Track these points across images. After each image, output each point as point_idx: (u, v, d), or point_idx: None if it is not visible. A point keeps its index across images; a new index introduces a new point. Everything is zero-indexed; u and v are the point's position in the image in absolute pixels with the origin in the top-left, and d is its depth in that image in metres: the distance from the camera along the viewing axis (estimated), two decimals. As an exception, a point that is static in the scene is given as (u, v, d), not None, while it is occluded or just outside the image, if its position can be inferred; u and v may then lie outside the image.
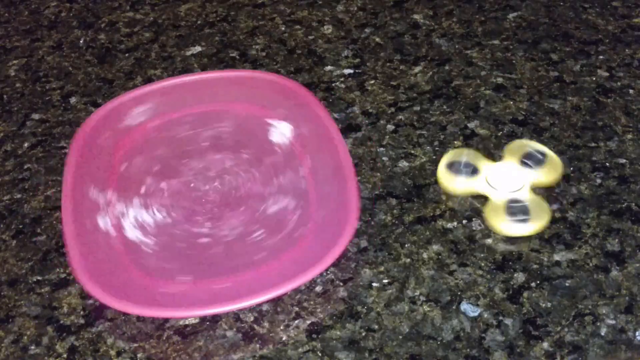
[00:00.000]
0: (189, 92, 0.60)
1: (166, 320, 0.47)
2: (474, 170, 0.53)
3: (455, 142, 0.57)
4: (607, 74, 0.62)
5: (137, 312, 0.46)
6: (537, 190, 0.53)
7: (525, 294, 0.48)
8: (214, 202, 0.54)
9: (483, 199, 0.53)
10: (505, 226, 0.50)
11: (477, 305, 0.47)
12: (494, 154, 0.56)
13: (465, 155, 0.54)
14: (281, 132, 0.57)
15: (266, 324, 0.47)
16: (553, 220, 0.51)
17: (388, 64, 0.64)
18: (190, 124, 0.59)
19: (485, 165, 0.54)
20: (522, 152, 0.54)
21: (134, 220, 0.52)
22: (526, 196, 0.52)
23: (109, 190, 0.54)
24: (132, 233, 0.51)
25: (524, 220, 0.50)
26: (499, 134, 0.57)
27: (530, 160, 0.54)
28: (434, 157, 0.56)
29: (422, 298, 0.48)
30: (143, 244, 0.51)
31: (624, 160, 0.55)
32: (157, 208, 0.53)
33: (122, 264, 0.49)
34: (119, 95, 0.59)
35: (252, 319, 0.47)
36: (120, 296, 0.46)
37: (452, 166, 0.53)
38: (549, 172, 0.53)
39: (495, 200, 0.52)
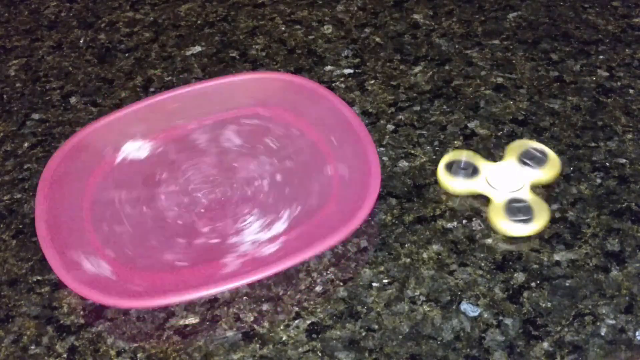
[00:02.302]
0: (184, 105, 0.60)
1: (166, 320, 0.47)
2: (474, 171, 0.53)
3: (456, 142, 0.57)
4: (607, 74, 0.62)
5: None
6: (536, 190, 0.53)
7: (525, 294, 0.48)
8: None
9: (484, 199, 0.53)
10: (507, 226, 0.50)
11: (477, 305, 0.47)
12: (494, 154, 0.56)
13: (464, 155, 0.54)
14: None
15: (266, 324, 0.47)
16: (553, 220, 0.51)
17: (388, 64, 0.64)
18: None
19: (485, 165, 0.54)
20: (521, 150, 0.54)
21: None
22: (527, 196, 0.52)
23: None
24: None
25: (525, 220, 0.50)
26: (499, 134, 0.57)
27: (529, 159, 0.54)
28: (434, 157, 0.56)
29: (422, 298, 0.48)
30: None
31: (624, 160, 0.55)
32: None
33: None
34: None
35: (252, 319, 0.47)
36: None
37: (451, 167, 0.53)
38: (549, 171, 0.53)
39: (495, 201, 0.52)
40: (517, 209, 0.50)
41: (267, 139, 0.58)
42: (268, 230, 0.51)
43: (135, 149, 0.57)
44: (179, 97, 0.59)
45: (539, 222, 0.50)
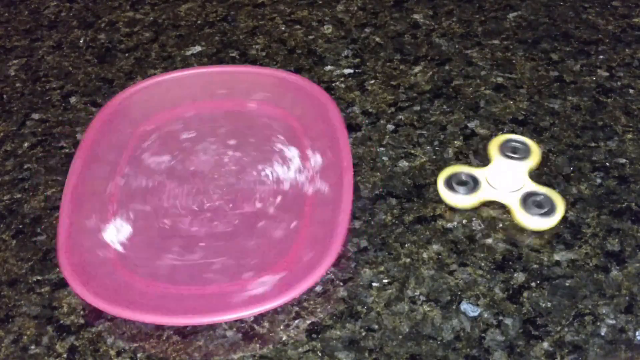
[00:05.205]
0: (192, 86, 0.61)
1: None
2: (474, 181, 0.53)
3: (456, 142, 0.57)
4: (607, 74, 0.62)
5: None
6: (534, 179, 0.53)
7: (525, 294, 0.48)
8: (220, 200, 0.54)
9: (496, 204, 0.52)
10: (531, 222, 0.50)
11: (477, 305, 0.47)
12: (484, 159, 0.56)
13: (462, 171, 0.53)
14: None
15: (266, 324, 0.47)
16: (553, 220, 0.52)
17: (388, 63, 0.64)
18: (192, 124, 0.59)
19: (479, 172, 0.54)
20: (501, 145, 0.55)
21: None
22: (536, 188, 0.52)
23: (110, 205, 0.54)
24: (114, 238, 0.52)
25: (548, 212, 0.50)
26: (499, 134, 0.57)
27: (512, 152, 0.54)
28: (434, 157, 0.56)
29: (422, 298, 0.48)
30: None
31: (624, 160, 0.55)
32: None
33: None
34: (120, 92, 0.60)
35: (252, 318, 0.47)
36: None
37: (451, 183, 0.53)
38: (534, 158, 0.54)
39: (509, 202, 0.51)
40: (535, 203, 0.51)
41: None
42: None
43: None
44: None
45: (560, 209, 0.51)
